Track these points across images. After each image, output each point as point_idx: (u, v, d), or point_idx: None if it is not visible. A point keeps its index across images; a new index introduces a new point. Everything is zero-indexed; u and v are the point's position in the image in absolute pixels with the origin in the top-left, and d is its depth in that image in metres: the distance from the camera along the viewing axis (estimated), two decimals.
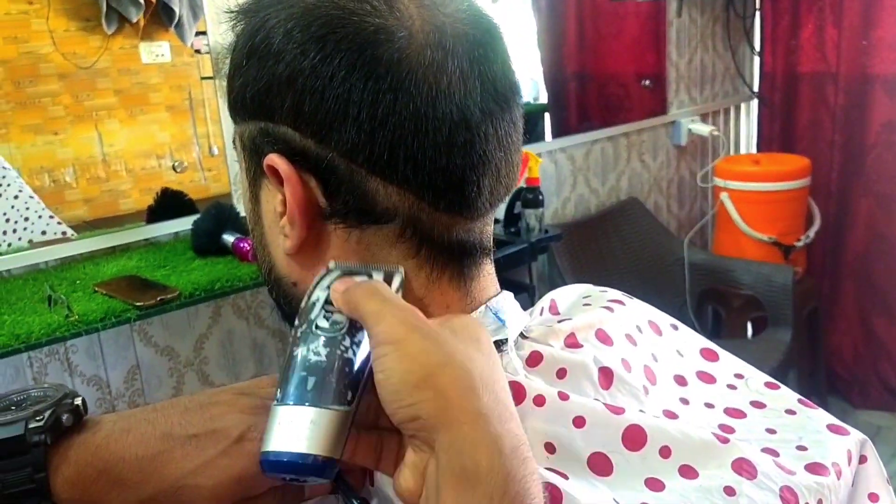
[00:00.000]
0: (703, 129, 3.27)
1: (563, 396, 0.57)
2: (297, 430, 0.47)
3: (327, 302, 0.52)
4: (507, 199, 0.62)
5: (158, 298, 1.63)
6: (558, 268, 2.66)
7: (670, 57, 3.22)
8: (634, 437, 0.56)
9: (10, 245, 1.89)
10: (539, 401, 0.56)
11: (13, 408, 0.51)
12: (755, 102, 3.63)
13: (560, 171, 2.90)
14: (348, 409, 0.48)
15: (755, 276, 2.90)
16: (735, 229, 3.06)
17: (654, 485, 0.55)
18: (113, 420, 0.53)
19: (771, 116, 3.54)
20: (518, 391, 0.56)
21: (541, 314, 0.69)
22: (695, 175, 3.42)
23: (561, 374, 0.60)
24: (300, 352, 0.50)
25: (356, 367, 0.49)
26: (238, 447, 0.52)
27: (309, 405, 0.47)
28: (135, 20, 2.05)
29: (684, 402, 0.65)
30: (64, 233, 1.98)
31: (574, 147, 2.95)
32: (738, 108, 3.62)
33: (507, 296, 0.63)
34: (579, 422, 0.56)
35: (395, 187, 0.54)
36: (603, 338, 0.65)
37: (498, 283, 0.64)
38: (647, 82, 3.30)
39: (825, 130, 3.33)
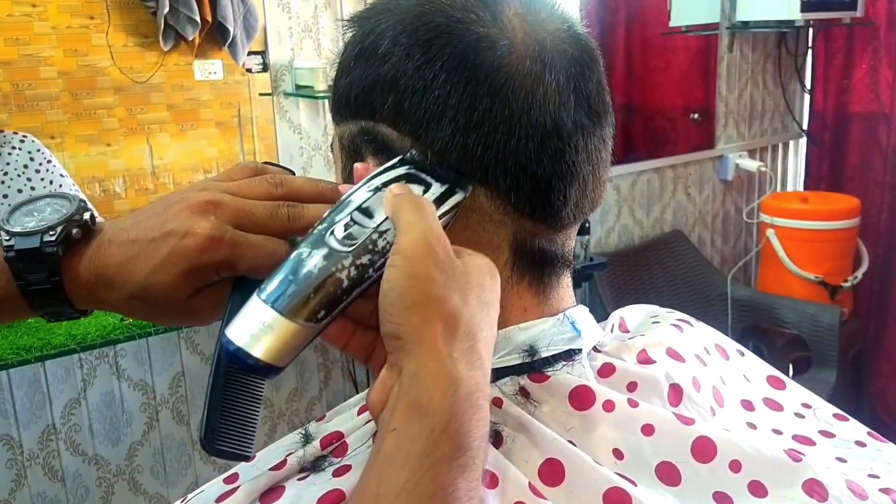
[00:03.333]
0: (751, 164, 3.24)
1: (633, 404, 0.57)
2: (255, 327, 0.48)
3: (360, 209, 0.52)
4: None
5: None
6: (600, 297, 2.64)
7: (720, 92, 3.20)
8: (704, 449, 0.55)
9: None
10: (608, 406, 0.56)
11: (36, 213, 0.59)
12: (804, 140, 3.59)
13: (605, 201, 2.89)
14: (313, 327, 0.49)
15: (800, 315, 2.85)
16: (780, 267, 3.01)
17: (723, 499, 0.54)
18: (107, 230, 0.60)
19: (820, 155, 3.49)
20: (587, 396, 0.57)
21: (611, 331, 0.69)
22: (740, 210, 3.39)
23: (631, 387, 0.60)
24: (303, 252, 0.50)
25: (343, 288, 0.49)
26: (182, 244, 0.55)
27: (275, 310, 0.48)
28: (190, 38, 2.09)
29: (751, 426, 0.64)
30: None
31: (620, 177, 2.94)
32: (786, 146, 3.58)
33: (583, 309, 0.64)
34: (648, 430, 0.56)
35: (483, 189, 0.56)
36: (674, 355, 0.64)
37: (574, 297, 0.64)
38: (696, 116, 3.29)
39: (876, 172, 3.27)
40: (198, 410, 2.17)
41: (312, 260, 0.49)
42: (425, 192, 0.54)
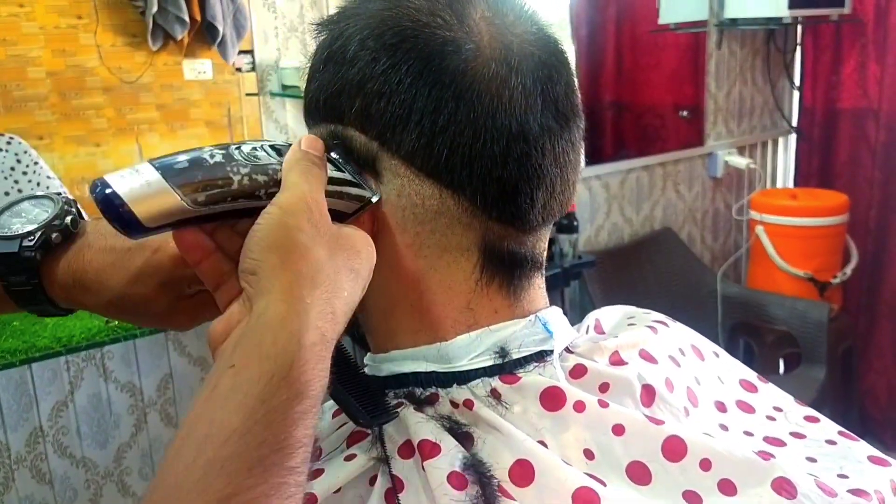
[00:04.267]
0: (741, 161, 3.25)
1: (603, 404, 0.57)
2: (134, 180, 0.49)
3: (273, 146, 0.55)
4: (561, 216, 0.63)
5: None
6: (590, 295, 2.64)
7: (709, 89, 3.20)
8: (674, 449, 0.56)
9: None
10: (579, 407, 0.57)
11: (23, 214, 0.61)
12: (793, 137, 3.60)
13: (594, 199, 2.90)
14: (190, 207, 0.50)
15: (790, 311, 2.86)
16: (770, 264, 3.02)
17: (692, 498, 0.55)
18: (88, 234, 0.61)
19: (809, 151, 3.50)
20: (558, 396, 0.57)
21: (587, 332, 0.69)
22: (730, 207, 3.39)
23: (603, 388, 0.61)
24: (206, 149, 0.53)
25: (231, 189, 0.51)
26: (155, 257, 0.57)
27: (160, 173, 0.50)
28: (179, 38, 2.09)
29: (724, 427, 0.65)
30: None
31: (609, 175, 2.95)
32: (775, 142, 3.59)
33: (556, 310, 0.64)
34: (618, 430, 0.56)
35: (450, 192, 0.56)
36: (647, 357, 0.65)
37: (547, 298, 0.65)
38: (685, 113, 3.29)
39: (864, 167, 3.28)
40: (186, 412, 2.15)
41: (213, 158, 0.51)
42: (336, 170, 0.56)
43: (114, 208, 0.49)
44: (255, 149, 0.54)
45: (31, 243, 0.59)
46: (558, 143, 0.58)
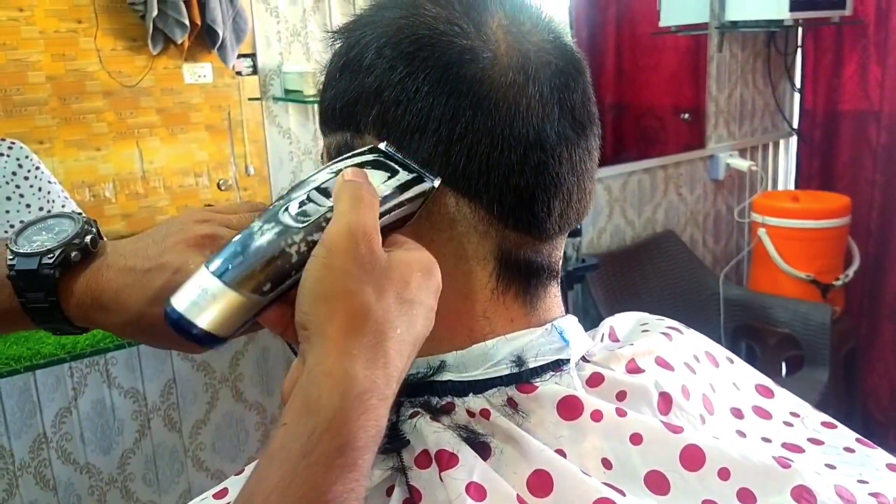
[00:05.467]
0: (742, 164, 3.24)
1: (621, 413, 0.57)
2: (200, 296, 0.48)
3: (319, 188, 0.53)
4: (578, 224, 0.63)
5: None
6: (592, 298, 2.64)
7: (710, 91, 3.20)
8: (693, 457, 0.55)
9: None
10: (596, 416, 0.56)
11: (45, 232, 0.61)
12: (794, 139, 3.60)
13: (596, 201, 2.89)
14: (258, 299, 0.49)
15: (792, 313, 2.85)
16: (772, 266, 3.01)
17: None
18: (108, 253, 0.60)
19: (810, 154, 3.50)
20: (575, 406, 0.57)
21: (601, 340, 0.69)
22: (731, 210, 3.39)
23: (620, 396, 0.60)
24: (255, 226, 0.51)
25: (291, 263, 0.49)
26: (174, 279, 0.56)
27: (221, 280, 0.48)
28: (179, 41, 2.08)
29: (741, 434, 0.64)
30: None
31: (611, 178, 2.94)
32: (776, 145, 3.58)
33: (572, 319, 0.64)
34: (636, 439, 0.56)
35: (467, 201, 0.56)
36: (663, 364, 0.64)
37: (563, 307, 0.64)
38: (686, 116, 3.29)
39: (866, 169, 3.28)
40: (189, 417, 2.16)
41: (264, 235, 0.50)
42: (390, 178, 0.54)
43: (188, 332, 0.48)
44: (302, 203, 0.52)
45: (51, 261, 0.58)
46: (575, 152, 0.58)
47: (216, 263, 0.49)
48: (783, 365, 3.04)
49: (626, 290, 2.81)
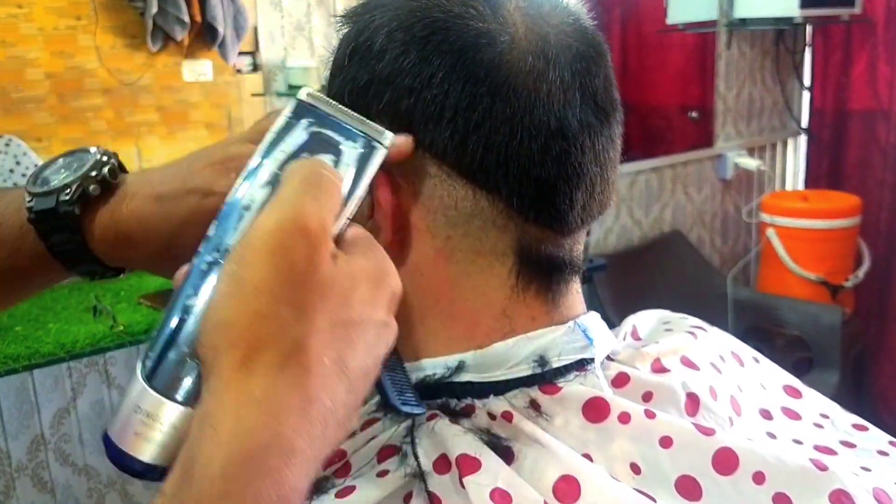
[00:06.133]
0: (751, 163, 3.21)
1: (650, 415, 0.54)
2: (134, 417, 0.38)
3: (246, 208, 0.44)
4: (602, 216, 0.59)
5: None
6: (599, 298, 2.61)
7: (718, 90, 3.17)
8: (725, 461, 0.52)
9: None
10: (624, 418, 0.53)
11: (63, 170, 0.57)
12: (803, 138, 3.57)
13: None
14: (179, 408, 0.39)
15: (801, 315, 2.82)
16: (781, 266, 2.98)
17: None
18: (130, 183, 0.57)
19: (819, 153, 3.47)
20: (602, 408, 0.54)
21: (624, 339, 0.66)
22: (739, 210, 3.36)
23: (647, 396, 0.57)
24: (186, 289, 0.40)
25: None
26: (204, 203, 0.53)
27: (152, 387, 0.38)
28: (179, 39, 2.07)
29: (771, 436, 0.61)
30: None
31: (618, 177, 2.91)
32: (785, 144, 3.55)
33: (595, 316, 0.61)
34: (666, 442, 0.53)
35: (484, 193, 0.53)
36: (688, 364, 0.62)
37: (584, 303, 0.61)
38: (694, 114, 3.26)
39: (875, 169, 3.25)
40: None
41: (195, 288, 0.40)
42: (336, 161, 0.47)
43: (130, 469, 0.40)
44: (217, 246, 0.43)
45: (68, 197, 0.55)
46: (598, 140, 0.55)
47: (153, 370, 0.39)
48: (792, 367, 3.01)
49: (633, 291, 2.78)
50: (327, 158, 0.47)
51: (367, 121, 0.49)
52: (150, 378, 0.38)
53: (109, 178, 0.57)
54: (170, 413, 0.38)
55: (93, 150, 0.59)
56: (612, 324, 0.69)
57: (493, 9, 0.53)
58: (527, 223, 0.54)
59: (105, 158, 0.57)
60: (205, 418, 0.37)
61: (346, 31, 0.58)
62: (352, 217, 0.46)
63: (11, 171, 1.85)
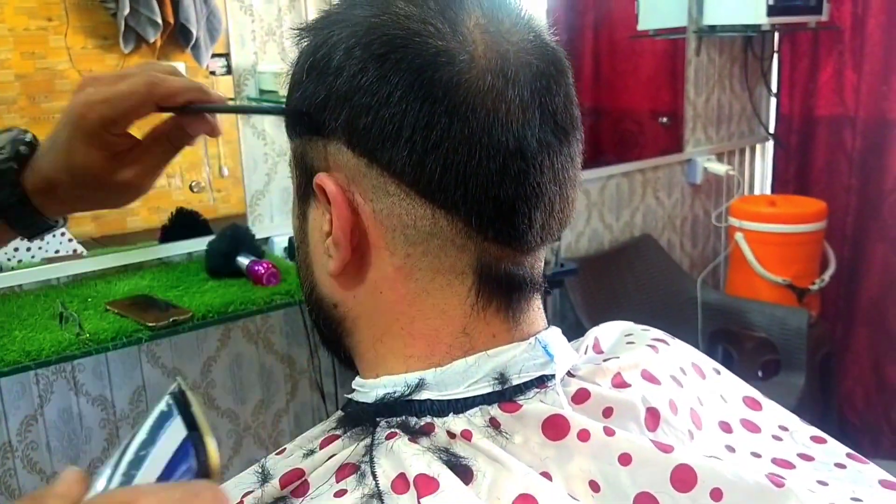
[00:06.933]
0: (720, 168, 3.25)
1: (609, 432, 0.54)
2: None
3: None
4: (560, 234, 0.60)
5: (171, 319, 1.61)
6: (571, 302, 2.62)
7: (688, 95, 3.20)
8: (684, 477, 0.53)
9: (20, 262, 1.88)
10: (583, 436, 0.54)
11: None
12: (770, 144, 3.61)
13: (575, 205, 2.87)
14: None
15: (769, 318, 2.86)
16: (749, 270, 3.02)
17: None
18: (41, 143, 0.67)
19: (786, 158, 3.51)
20: (562, 425, 0.54)
21: (585, 352, 0.66)
22: (709, 214, 3.39)
23: (607, 412, 0.58)
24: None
25: None
26: (68, 120, 0.63)
27: None
28: (152, 40, 2.04)
29: (730, 449, 0.62)
30: (75, 251, 1.96)
31: (589, 182, 2.93)
32: (753, 149, 3.59)
33: (556, 331, 0.61)
34: (625, 459, 0.53)
35: (443, 212, 0.53)
36: (649, 378, 0.62)
37: (545, 319, 0.62)
38: (665, 120, 3.28)
39: (841, 174, 3.30)
40: None
41: None
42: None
43: None
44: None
45: (5, 155, 0.65)
46: (557, 159, 0.55)
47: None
48: (760, 370, 3.04)
49: (604, 295, 2.80)
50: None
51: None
52: None
53: (33, 142, 0.67)
54: None
55: (9, 128, 0.69)
56: (584, 327, 0.69)
57: (453, 26, 0.52)
58: (486, 242, 0.55)
59: (23, 131, 0.67)
60: None
61: (304, 44, 0.58)
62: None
63: None
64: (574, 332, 0.68)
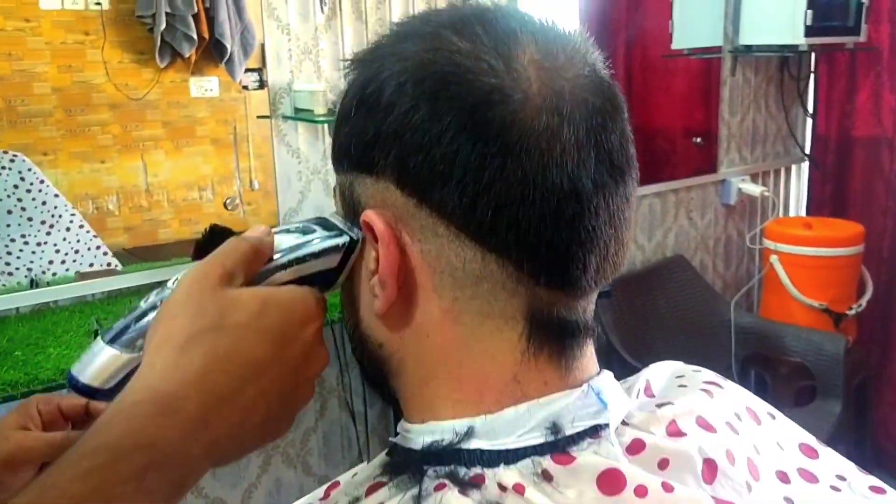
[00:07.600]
0: (754, 189, 3.21)
1: (668, 488, 0.51)
2: (86, 356, 0.56)
3: None
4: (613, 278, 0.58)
5: None
6: (602, 323, 2.59)
7: (722, 115, 3.17)
8: None
9: (54, 274, 1.89)
10: (640, 491, 0.51)
11: None
12: (806, 165, 3.56)
13: None
14: (131, 355, 0.54)
15: (805, 343, 2.80)
16: (784, 293, 2.97)
17: None
18: None
19: (822, 180, 3.46)
20: (618, 480, 0.51)
21: (637, 396, 0.64)
22: (742, 235, 3.35)
23: (663, 464, 0.55)
24: (152, 294, 0.57)
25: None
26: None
27: (102, 340, 0.55)
28: (187, 55, 2.06)
29: (789, 501, 0.60)
30: (109, 264, 1.97)
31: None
32: (788, 170, 3.55)
33: (608, 376, 0.59)
34: None
35: (494, 256, 0.51)
36: (704, 425, 0.59)
37: (597, 363, 0.59)
38: (698, 139, 3.25)
39: (878, 196, 3.25)
40: None
41: (148, 299, 0.56)
42: (302, 236, 0.58)
43: (75, 387, 0.55)
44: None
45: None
46: (613, 201, 0.53)
47: (108, 330, 0.56)
48: (794, 396, 2.99)
49: (635, 316, 2.76)
50: (294, 235, 0.58)
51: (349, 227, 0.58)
52: (111, 342, 0.55)
53: None
54: (116, 358, 0.55)
55: None
56: (614, 348, 0.67)
57: (507, 62, 0.51)
58: (538, 286, 0.53)
59: None
60: (137, 374, 0.50)
61: (353, 76, 0.56)
62: (307, 276, 0.57)
63: (16, 186, 1.84)
64: (605, 353, 0.66)
